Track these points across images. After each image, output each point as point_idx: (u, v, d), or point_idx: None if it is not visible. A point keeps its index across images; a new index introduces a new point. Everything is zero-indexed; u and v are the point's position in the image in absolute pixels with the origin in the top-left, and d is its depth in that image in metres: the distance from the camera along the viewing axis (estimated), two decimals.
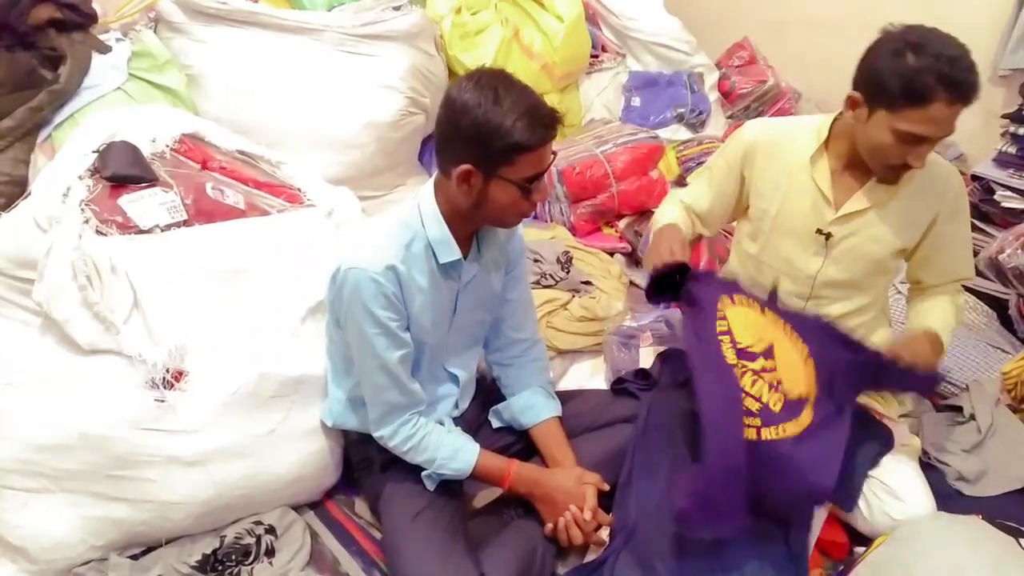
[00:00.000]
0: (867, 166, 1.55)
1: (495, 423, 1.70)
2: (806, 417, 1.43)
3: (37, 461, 1.45)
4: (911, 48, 1.36)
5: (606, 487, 1.56)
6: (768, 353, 1.46)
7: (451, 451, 1.51)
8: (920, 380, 1.52)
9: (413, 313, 1.45)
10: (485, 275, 1.56)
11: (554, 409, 1.65)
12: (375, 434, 1.50)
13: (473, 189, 1.35)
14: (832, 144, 1.60)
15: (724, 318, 1.49)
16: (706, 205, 1.80)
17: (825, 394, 1.46)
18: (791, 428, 1.41)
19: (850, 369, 1.48)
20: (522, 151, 1.30)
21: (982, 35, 2.89)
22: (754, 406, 1.42)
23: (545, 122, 1.31)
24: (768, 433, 1.41)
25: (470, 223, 1.45)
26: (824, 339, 1.51)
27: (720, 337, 1.46)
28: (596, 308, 2.19)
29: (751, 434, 1.40)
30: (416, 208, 1.45)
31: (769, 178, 1.68)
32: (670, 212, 1.83)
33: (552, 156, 1.38)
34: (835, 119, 1.60)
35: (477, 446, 1.54)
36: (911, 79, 1.35)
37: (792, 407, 1.43)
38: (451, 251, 1.44)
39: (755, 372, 1.45)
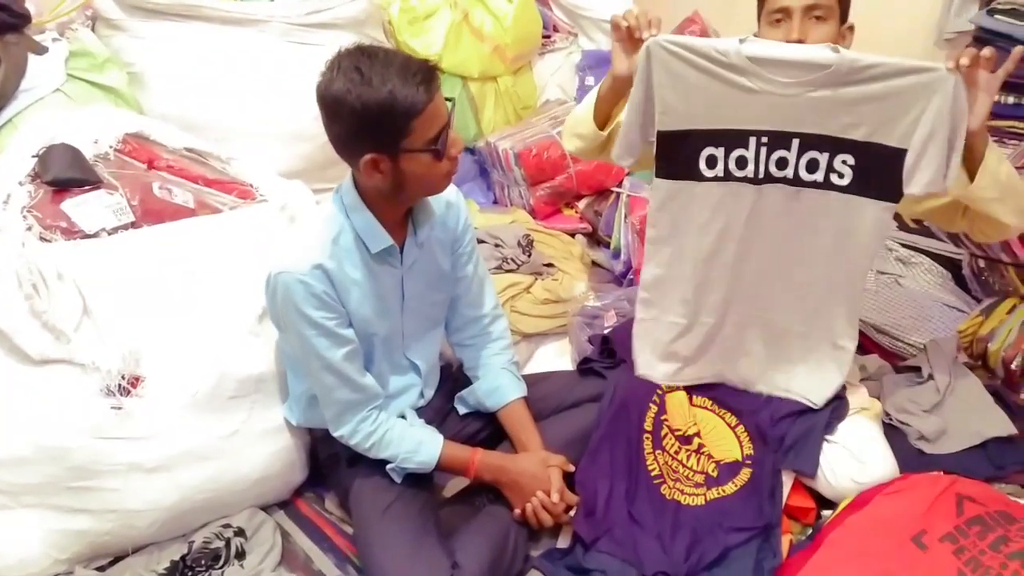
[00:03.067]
0: None
1: (461, 409, 1.69)
2: (744, 475, 1.62)
3: None
4: None
5: (571, 468, 1.56)
6: (698, 434, 1.68)
7: (414, 445, 1.50)
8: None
9: (351, 308, 1.42)
10: (429, 255, 1.54)
11: (519, 390, 1.64)
12: (334, 434, 1.49)
13: (386, 174, 1.31)
14: None
15: (661, 403, 1.70)
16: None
17: (760, 448, 1.65)
18: (729, 488, 1.61)
19: (775, 421, 1.66)
20: (412, 116, 1.24)
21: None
22: (699, 478, 1.63)
23: (421, 77, 1.23)
24: (713, 494, 1.61)
25: (399, 205, 1.42)
26: (751, 405, 1.71)
27: (662, 418, 1.68)
28: (559, 290, 2.19)
29: (699, 500, 1.60)
30: (339, 201, 1.42)
31: None
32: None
33: (449, 103, 1.33)
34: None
35: (441, 438, 1.53)
36: None
37: (728, 470, 1.64)
38: (380, 239, 1.41)
39: (692, 451, 1.66)
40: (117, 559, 1.54)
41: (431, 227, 1.52)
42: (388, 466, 1.49)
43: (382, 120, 1.23)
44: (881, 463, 1.56)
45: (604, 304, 2.11)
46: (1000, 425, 1.74)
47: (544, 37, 3.20)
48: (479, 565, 1.41)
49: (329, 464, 1.63)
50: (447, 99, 1.33)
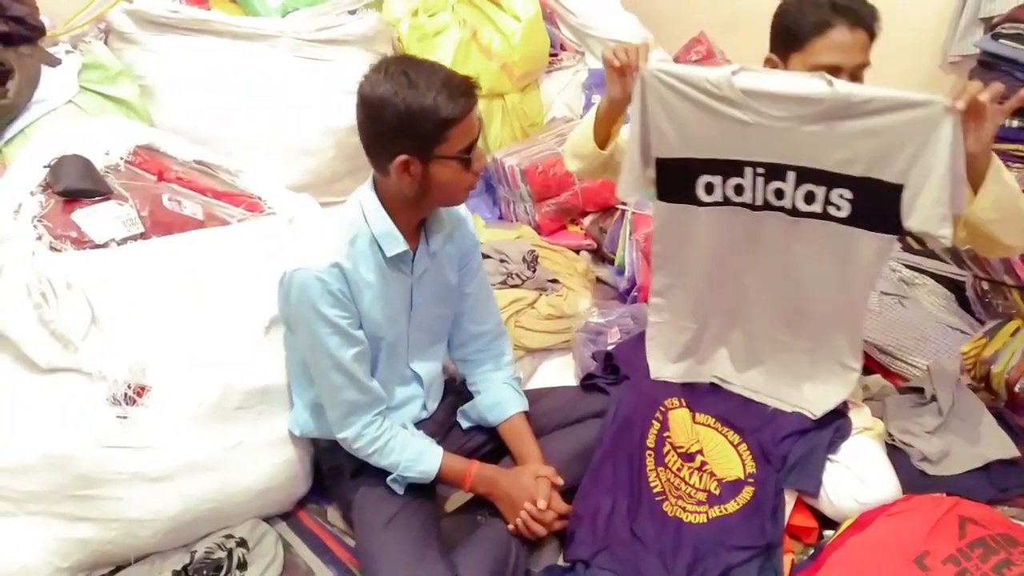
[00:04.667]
0: None
1: (464, 423, 1.69)
2: (746, 493, 1.62)
3: None
4: None
5: (560, 481, 1.56)
6: (701, 451, 1.68)
7: (416, 454, 1.50)
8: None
9: (363, 309, 1.44)
10: (438, 268, 1.56)
11: (520, 404, 1.65)
12: (338, 436, 1.50)
13: (415, 177, 1.36)
14: None
15: (664, 420, 1.70)
16: None
17: (763, 467, 1.64)
18: (731, 506, 1.61)
19: (778, 440, 1.65)
20: (451, 124, 1.31)
21: (931, 23, 2.94)
22: (701, 496, 1.63)
23: (463, 90, 1.32)
24: (715, 512, 1.61)
25: (417, 212, 1.46)
26: (754, 423, 1.70)
27: (665, 435, 1.69)
28: (563, 306, 2.20)
29: (701, 518, 1.60)
30: (358, 205, 1.45)
31: None
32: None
33: (479, 123, 1.39)
34: None
35: (440, 449, 1.54)
36: (810, 15, 1.47)
37: (730, 488, 1.63)
38: (397, 243, 1.44)
39: (694, 468, 1.67)
40: (119, 568, 1.54)
41: (443, 240, 1.54)
42: (389, 477, 1.50)
43: (423, 124, 1.29)
44: (884, 483, 1.56)
45: (608, 320, 2.11)
46: (1003, 448, 1.73)
47: (551, 55, 3.22)
48: None
49: (332, 476, 1.64)
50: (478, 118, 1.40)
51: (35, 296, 1.44)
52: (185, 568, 1.51)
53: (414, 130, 1.30)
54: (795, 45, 1.49)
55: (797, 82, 1.38)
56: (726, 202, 1.52)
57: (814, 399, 1.67)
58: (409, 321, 1.56)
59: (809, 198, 1.46)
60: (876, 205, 1.41)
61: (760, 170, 1.45)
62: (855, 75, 1.48)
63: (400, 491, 1.51)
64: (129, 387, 1.47)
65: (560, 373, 2.10)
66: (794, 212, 1.48)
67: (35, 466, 1.42)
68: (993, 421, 1.80)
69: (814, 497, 1.60)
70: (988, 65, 2.49)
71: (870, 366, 2.11)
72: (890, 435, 1.77)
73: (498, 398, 1.65)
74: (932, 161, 1.32)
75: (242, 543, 1.57)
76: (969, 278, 2.29)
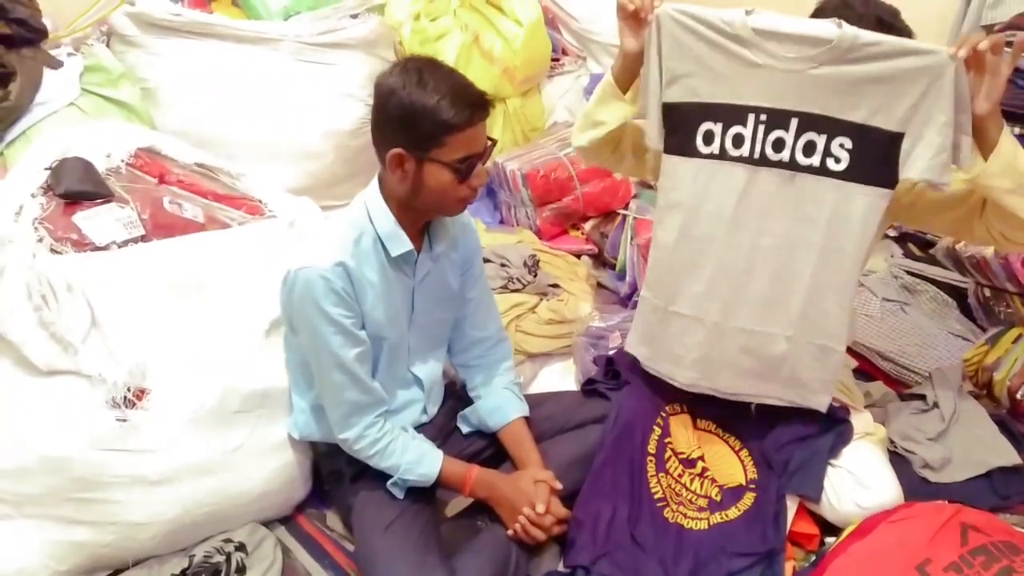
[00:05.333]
0: None
1: (464, 428, 1.69)
2: (748, 500, 1.63)
3: None
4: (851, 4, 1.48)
5: (558, 485, 1.54)
6: (702, 457, 1.69)
7: (416, 456, 1.50)
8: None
9: (366, 309, 1.44)
10: (441, 272, 1.56)
11: (520, 409, 1.65)
12: (339, 437, 1.49)
13: (407, 174, 1.36)
14: None
15: (665, 426, 1.71)
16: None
17: (764, 473, 1.65)
18: (733, 512, 1.62)
19: (780, 446, 1.65)
20: (450, 131, 1.31)
21: (932, 30, 2.94)
22: (702, 502, 1.64)
23: (471, 101, 1.32)
24: (716, 518, 1.61)
25: (417, 215, 1.46)
26: (755, 429, 1.70)
27: (666, 441, 1.69)
28: (564, 310, 2.19)
29: (702, 525, 1.60)
30: (363, 204, 1.45)
31: None
32: None
33: (490, 142, 1.40)
34: None
35: (441, 453, 1.54)
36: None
37: (732, 494, 1.64)
38: (401, 243, 1.44)
39: (695, 475, 1.67)
40: (117, 572, 1.53)
41: (447, 244, 1.55)
42: (389, 481, 1.49)
43: (421, 122, 1.30)
44: (886, 488, 1.55)
45: (609, 325, 2.11)
46: (1005, 455, 1.73)
47: (553, 60, 3.23)
48: None
49: (331, 480, 1.63)
50: (490, 139, 1.41)
51: (35, 298, 1.43)
52: (184, 572, 1.50)
53: (412, 126, 1.31)
54: None
55: (808, 24, 1.41)
56: (722, 155, 1.49)
57: (795, 395, 1.61)
58: (411, 324, 1.56)
59: (808, 149, 1.44)
60: (875, 155, 1.41)
61: (763, 116, 1.44)
62: None
63: (400, 495, 1.50)
64: (129, 390, 1.46)
65: (561, 378, 2.09)
66: (792, 165, 1.46)
67: (33, 468, 1.42)
68: (995, 428, 1.80)
69: (816, 502, 1.60)
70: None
71: (872, 372, 2.11)
72: (892, 442, 1.76)
73: (498, 403, 1.65)
74: (933, 109, 1.34)
75: (241, 547, 1.56)
76: (971, 285, 2.28)
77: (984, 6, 2.76)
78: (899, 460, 1.72)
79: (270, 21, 2.60)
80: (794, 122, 1.43)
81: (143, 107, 2.37)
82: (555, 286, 2.32)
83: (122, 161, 1.81)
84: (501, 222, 2.87)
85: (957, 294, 2.35)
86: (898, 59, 1.34)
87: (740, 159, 1.48)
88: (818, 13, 1.51)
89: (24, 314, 1.43)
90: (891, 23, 1.46)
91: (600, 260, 2.67)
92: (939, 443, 1.76)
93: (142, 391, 1.49)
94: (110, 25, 2.45)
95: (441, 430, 1.68)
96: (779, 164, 1.47)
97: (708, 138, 1.49)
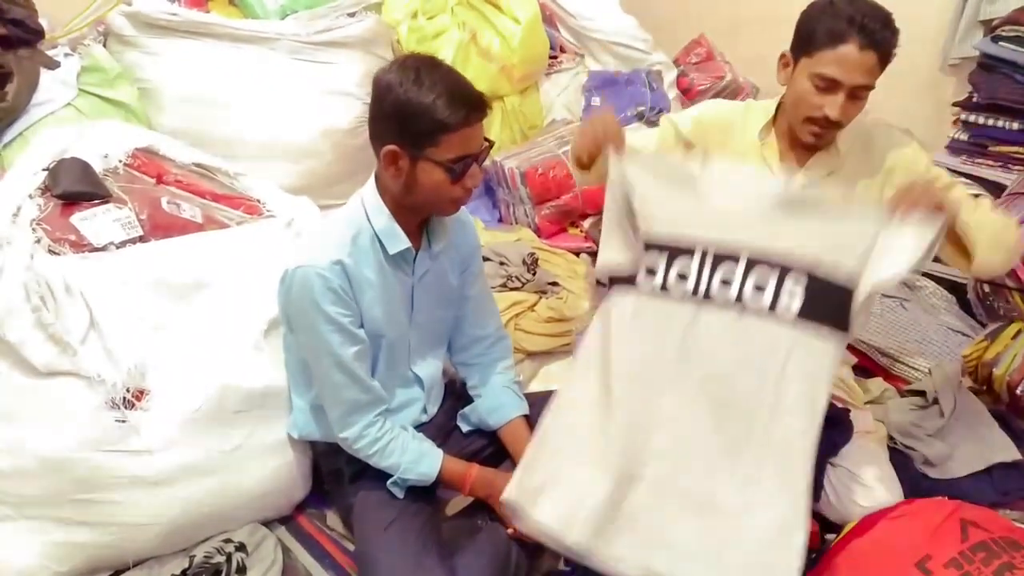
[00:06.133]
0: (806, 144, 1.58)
1: (464, 427, 1.69)
2: None
3: None
4: (837, 2, 1.45)
5: None
6: None
7: (416, 455, 1.50)
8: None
9: (364, 307, 1.44)
10: (440, 270, 1.56)
11: (520, 408, 1.65)
12: (339, 436, 1.49)
13: (401, 171, 1.36)
14: (778, 121, 1.63)
15: None
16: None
17: None
18: None
19: None
20: (444, 130, 1.31)
21: (931, 25, 2.95)
22: None
23: (467, 101, 1.32)
24: None
25: (412, 212, 1.46)
26: None
27: None
28: (563, 308, 2.19)
29: None
30: (360, 202, 1.45)
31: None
32: None
33: (487, 143, 1.40)
34: (782, 97, 1.62)
35: (440, 451, 1.54)
36: (827, 23, 1.44)
37: None
38: (399, 240, 1.44)
39: None
40: (117, 572, 1.53)
41: (445, 243, 1.54)
42: (389, 481, 1.49)
43: (417, 120, 1.30)
44: (885, 487, 1.56)
45: None
46: (1005, 451, 1.73)
47: (551, 58, 3.22)
48: None
49: (331, 480, 1.63)
50: (487, 140, 1.41)
51: (34, 299, 1.43)
52: (184, 572, 1.50)
53: (408, 124, 1.31)
54: (806, 49, 1.48)
55: (759, 176, 1.47)
56: (664, 288, 1.34)
57: None
58: (410, 322, 1.56)
59: (759, 288, 1.29)
60: (829, 299, 1.27)
61: (710, 252, 1.32)
62: (854, 95, 1.46)
63: (400, 494, 1.50)
64: (128, 391, 1.46)
65: (560, 376, 2.09)
66: (739, 304, 1.29)
67: (33, 470, 1.42)
68: (995, 424, 1.80)
69: (815, 501, 1.59)
70: (988, 67, 2.50)
71: (871, 368, 2.11)
72: (892, 438, 1.77)
73: (498, 402, 1.65)
74: (878, 263, 1.27)
75: (241, 547, 1.56)
76: (971, 281, 2.28)
77: (982, 1, 2.76)
78: (899, 456, 1.73)
79: (267, 20, 2.60)
80: (743, 257, 1.30)
81: (140, 107, 2.36)
82: (554, 284, 2.32)
83: (120, 161, 1.81)
84: (500, 220, 2.86)
85: (957, 290, 2.35)
86: (842, 217, 1.32)
87: (683, 296, 1.33)
88: (808, 21, 1.49)
89: (22, 315, 1.43)
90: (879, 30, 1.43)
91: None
92: (939, 439, 1.77)
93: (141, 392, 1.49)
94: (107, 25, 2.44)
95: (441, 429, 1.68)
96: (726, 303, 1.30)
97: (651, 271, 1.36)
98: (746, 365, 1.27)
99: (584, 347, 1.42)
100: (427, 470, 1.50)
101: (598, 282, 2.53)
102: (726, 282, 1.31)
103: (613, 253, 1.46)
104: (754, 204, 1.35)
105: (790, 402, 1.24)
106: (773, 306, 1.27)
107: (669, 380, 1.31)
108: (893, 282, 1.30)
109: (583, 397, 1.36)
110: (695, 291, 1.32)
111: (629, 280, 1.39)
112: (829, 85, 1.46)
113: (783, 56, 1.54)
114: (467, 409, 1.69)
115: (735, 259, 1.31)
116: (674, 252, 1.35)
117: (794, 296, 1.27)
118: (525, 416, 1.64)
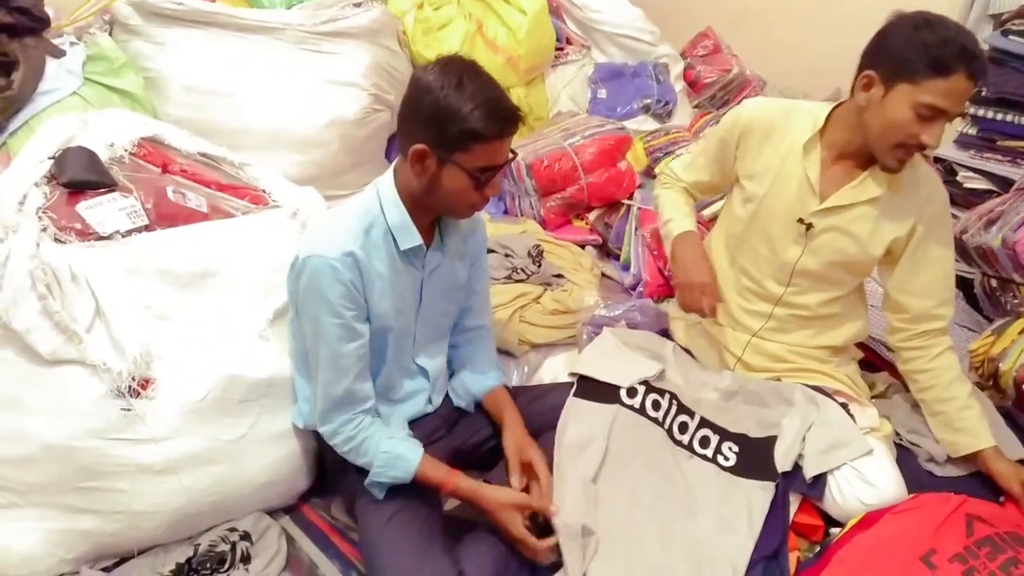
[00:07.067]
0: (859, 160, 1.58)
1: (456, 401, 1.71)
2: None
3: (2, 475, 1.43)
4: (929, 25, 1.41)
5: (536, 505, 1.47)
6: None
7: (389, 459, 1.46)
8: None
9: (373, 300, 1.44)
10: (450, 265, 1.56)
11: (498, 379, 1.69)
12: (320, 429, 1.49)
13: (426, 171, 1.36)
14: (828, 133, 1.60)
15: None
16: (707, 179, 1.85)
17: None
18: None
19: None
20: (477, 139, 1.31)
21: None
22: None
23: (504, 115, 1.32)
24: None
25: (427, 210, 1.46)
26: None
27: None
28: (568, 301, 2.19)
29: None
30: (375, 194, 1.45)
31: (762, 160, 1.68)
32: (674, 208, 1.87)
33: (511, 155, 1.40)
34: (834, 108, 1.60)
35: (419, 454, 1.47)
36: (937, 50, 1.38)
37: None
38: (411, 237, 1.44)
39: None
40: (123, 560, 1.54)
41: (458, 240, 1.55)
42: (366, 481, 1.47)
43: (452, 125, 1.30)
44: (890, 485, 1.54)
45: (614, 314, 2.10)
46: (1011, 448, 1.72)
47: (557, 49, 3.22)
48: (485, 574, 1.40)
49: (336, 470, 1.63)
50: (512, 152, 1.41)
51: (39, 287, 1.43)
52: (189, 561, 1.51)
53: (442, 127, 1.31)
54: (907, 76, 1.41)
55: (708, 372, 1.82)
56: (642, 410, 1.67)
57: None
58: (417, 315, 1.55)
59: (704, 443, 1.67)
60: (758, 457, 1.62)
61: (675, 401, 1.70)
62: (951, 120, 1.45)
63: (380, 495, 1.48)
64: (133, 379, 1.46)
65: (565, 368, 2.09)
66: (690, 449, 1.66)
67: (38, 458, 1.42)
68: (1001, 420, 1.79)
69: (819, 500, 1.59)
70: (997, 61, 2.47)
71: (878, 363, 2.10)
72: (897, 434, 1.76)
73: (482, 371, 1.69)
74: (797, 434, 1.63)
75: (246, 536, 1.56)
76: (977, 275, 2.27)
77: None
78: (904, 453, 1.72)
79: (273, 9, 2.59)
80: (697, 417, 1.69)
81: (146, 96, 2.37)
82: (559, 276, 2.31)
83: (125, 150, 1.80)
84: (505, 212, 2.86)
85: (963, 284, 2.34)
86: (778, 407, 1.71)
87: (655, 421, 1.68)
88: (906, 45, 1.43)
89: (28, 303, 1.43)
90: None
91: (604, 250, 2.67)
92: None
93: (146, 380, 1.49)
94: (112, 14, 2.45)
95: (446, 420, 1.68)
96: (681, 444, 1.67)
97: (632, 393, 1.68)
98: (697, 488, 1.60)
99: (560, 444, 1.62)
100: (400, 475, 1.46)
101: (603, 275, 2.53)
102: (683, 428, 1.69)
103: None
104: (708, 390, 1.76)
105: (731, 524, 1.53)
106: (714, 458, 1.65)
107: (642, 479, 1.60)
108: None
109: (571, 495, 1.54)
110: (663, 422, 1.68)
111: (606, 398, 1.68)
112: (935, 114, 1.42)
113: (867, 76, 1.47)
114: (453, 382, 1.71)
115: (691, 414, 1.70)
116: (651, 388, 1.70)
117: (728, 458, 1.65)
118: (505, 386, 1.68)
